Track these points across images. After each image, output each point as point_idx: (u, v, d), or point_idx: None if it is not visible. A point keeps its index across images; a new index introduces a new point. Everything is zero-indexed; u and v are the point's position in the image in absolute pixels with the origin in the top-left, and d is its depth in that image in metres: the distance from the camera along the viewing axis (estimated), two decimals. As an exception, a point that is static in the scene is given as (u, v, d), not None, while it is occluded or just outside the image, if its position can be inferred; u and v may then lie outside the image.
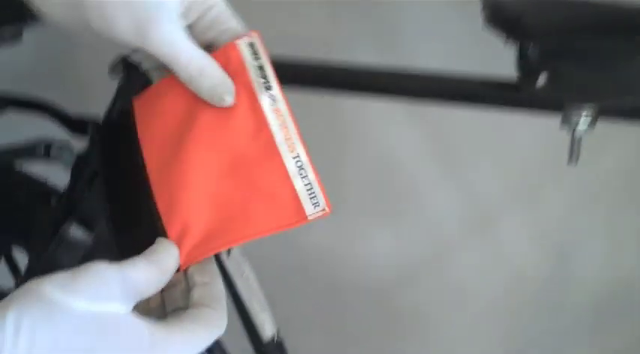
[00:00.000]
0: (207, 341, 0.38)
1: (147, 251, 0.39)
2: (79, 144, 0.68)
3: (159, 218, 0.41)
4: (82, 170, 0.60)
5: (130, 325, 0.35)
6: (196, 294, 0.40)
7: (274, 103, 0.43)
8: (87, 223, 0.60)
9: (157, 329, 0.36)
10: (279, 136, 0.42)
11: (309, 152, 0.42)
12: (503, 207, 1.26)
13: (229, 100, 0.42)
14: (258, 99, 0.43)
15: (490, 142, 1.21)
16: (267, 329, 0.67)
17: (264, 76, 0.43)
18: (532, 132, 1.12)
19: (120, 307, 0.35)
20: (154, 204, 0.41)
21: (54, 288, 0.33)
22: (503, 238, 1.28)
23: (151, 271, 0.38)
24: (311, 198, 0.41)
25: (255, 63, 0.43)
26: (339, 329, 1.38)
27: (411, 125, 1.20)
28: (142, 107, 0.44)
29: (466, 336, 1.37)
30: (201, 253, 0.41)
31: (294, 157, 0.42)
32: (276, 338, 0.67)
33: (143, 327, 0.35)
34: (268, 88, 0.43)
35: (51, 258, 0.59)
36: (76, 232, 0.60)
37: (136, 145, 0.43)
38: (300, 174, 0.42)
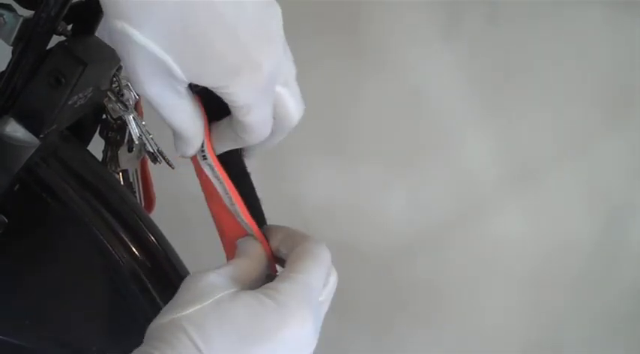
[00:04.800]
0: (321, 268, 0.43)
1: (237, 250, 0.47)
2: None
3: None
4: (29, 44, 0.48)
5: (243, 296, 0.41)
6: (283, 248, 0.46)
7: (213, 172, 0.46)
8: (28, 122, 0.50)
9: (270, 286, 0.41)
10: (226, 200, 0.46)
11: (252, 218, 0.47)
12: (547, 160, 1.21)
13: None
14: (201, 166, 0.46)
15: (539, 81, 1.16)
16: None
17: (201, 144, 0.46)
18: (587, 70, 1.13)
19: (229, 292, 0.41)
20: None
21: (171, 312, 0.40)
22: (544, 198, 1.22)
23: (242, 261, 0.45)
24: None
25: None
26: (337, 305, 1.23)
27: (440, 48, 1.15)
28: None
29: (491, 319, 1.31)
30: None
31: (241, 221, 0.47)
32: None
33: (255, 293, 0.41)
34: (204, 157, 0.45)
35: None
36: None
37: None
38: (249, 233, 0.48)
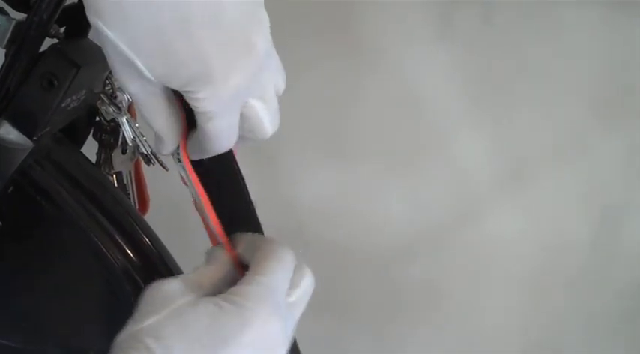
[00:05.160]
0: (283, 268, 0.43)
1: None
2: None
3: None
4: (22, 47, 0.49)
5: (202, 303, 0.40)
6: (246, 254, 0.46)
7: (187, 176, 0.46)
8: (22, 124, 0.50)
9: (230, 291, 0.41)
10: (198, 204, 0.46)
11: (220, 225, 0.46)
12: (546, 160, 1.19)
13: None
14: (177, 168, 0.46)
15: (532, 82, 1.15)
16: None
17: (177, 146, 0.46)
18: (581, 70, 1.12)
19: (189, 299, 0.41)
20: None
21: (133, 324, 0.40)
22: (543, 198, 1.21)
23: (205, 268, 0.45)
24: None
25: None
26: (337, 307, 1.30)
27: (436, 48, 1.13)
28: None
29: (491, 319, 1.30)
30: None
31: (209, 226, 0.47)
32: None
33: (214, 299, 0.40)
34: (179, 160, 0.45)
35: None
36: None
37: None
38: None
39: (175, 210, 1.01)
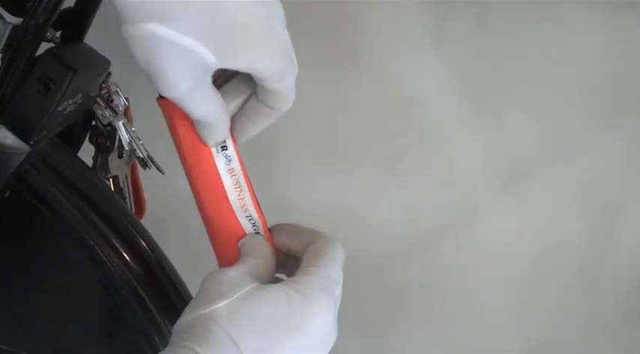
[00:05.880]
0: (338, 263, 0.44)
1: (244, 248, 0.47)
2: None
3: None
4: (19, 51, 0.49)
5: (269, 289, 0.42)
6: (293, 244, 0.48)
7: (229, 163, 0.46)
8: (18, 128, 0.50)
9: (293, 279, 0.43)
10: (232, 196, 0.46)
11: (262, 212, 0.47)
12: (540, 161, 1.17)
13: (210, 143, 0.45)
14: (214, 158, 0.46)
15: (529, 82, 1.13)
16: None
17: None
18: (577, 70, 1.11)
19: (255, 285, 0.42)
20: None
21: (199, 307, 0.41)
22: (540, 199, 1.20)
23: (255, 259, 0.45)
24: None
25: None
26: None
27: (430, 50, 1.12)
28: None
29: (491, 319, 1.29)
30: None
31: (247, 216, 0.47)
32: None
33: (279, 286, 0.42)
34: (224, 147, 0.46)
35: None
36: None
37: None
38: (254, 230, 0.47)
39: (171, 213, 1.01)
